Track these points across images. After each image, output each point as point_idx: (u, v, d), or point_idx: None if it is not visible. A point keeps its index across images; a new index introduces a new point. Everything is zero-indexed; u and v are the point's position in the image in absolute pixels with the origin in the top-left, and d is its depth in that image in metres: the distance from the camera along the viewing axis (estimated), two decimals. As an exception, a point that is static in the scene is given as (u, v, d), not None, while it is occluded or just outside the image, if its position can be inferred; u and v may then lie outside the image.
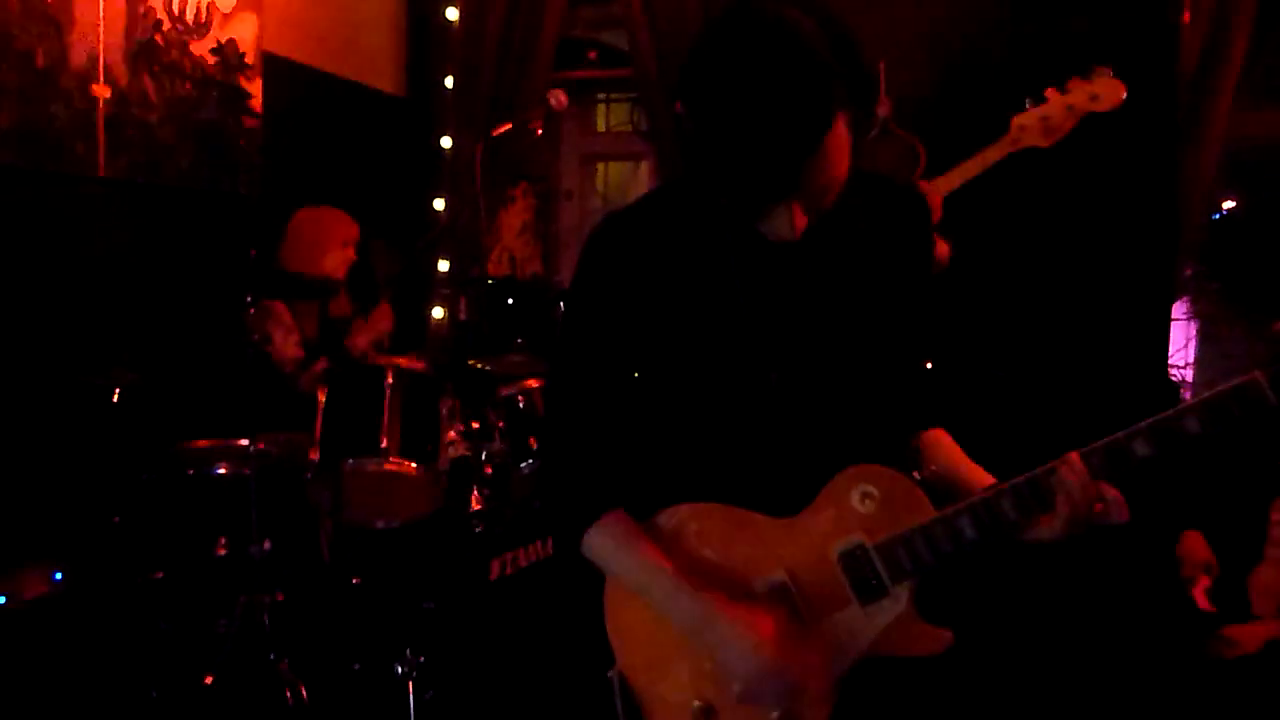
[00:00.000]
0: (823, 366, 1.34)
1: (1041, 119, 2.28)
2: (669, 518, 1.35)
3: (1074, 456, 1.25)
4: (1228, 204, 3.79)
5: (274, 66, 3.70)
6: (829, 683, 1.28)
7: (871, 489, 1.30)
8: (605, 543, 1.33)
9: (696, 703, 1.30)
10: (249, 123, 3.60)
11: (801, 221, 1.22)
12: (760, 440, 1.33)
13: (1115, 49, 3.26)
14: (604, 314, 1.35)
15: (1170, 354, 3.66)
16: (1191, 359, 3.86)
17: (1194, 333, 3.84)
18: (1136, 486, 1.30)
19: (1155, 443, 1.23)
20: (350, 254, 3.34)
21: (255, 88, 3.62)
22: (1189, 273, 3.65)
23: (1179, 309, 3.71)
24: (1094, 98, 2.22)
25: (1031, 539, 1.30)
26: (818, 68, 1.14)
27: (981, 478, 1.36)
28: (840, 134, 1.18)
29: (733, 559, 1.31)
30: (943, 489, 1.37)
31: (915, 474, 1.41)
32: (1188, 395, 3.76)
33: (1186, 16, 3.27)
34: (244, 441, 2.63)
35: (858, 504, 1.30)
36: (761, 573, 1.31)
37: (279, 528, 2.69)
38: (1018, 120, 2.33)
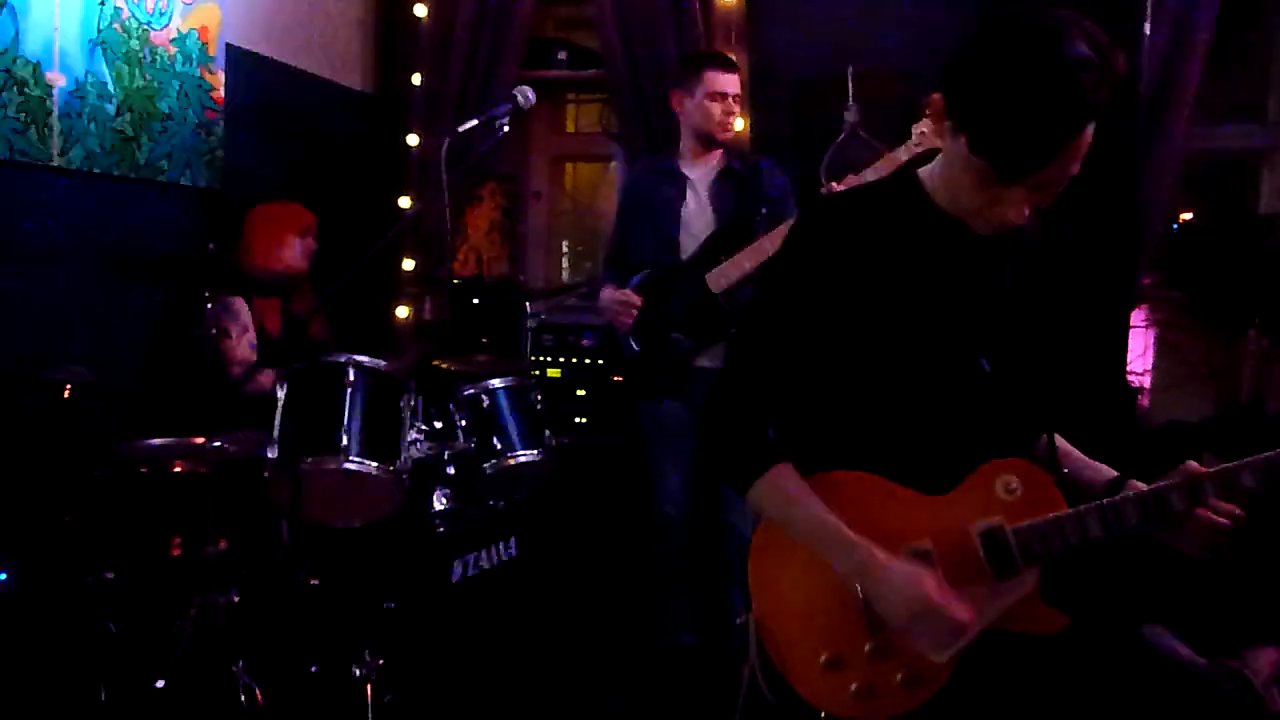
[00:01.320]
0: (1014, 358, 1.51)
1: (932, 126, 2.47)
2: (828, 479, 1.47)
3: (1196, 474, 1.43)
4: (1186, 215, 3.85)
5: (237, 59, 3.64)
6: (966, 642, 1.40)
7: (1016, 480, 1.46)
8: (777, 490, 1.46)
9: (825, 655, 1.43)
10: (210, 115, 3.54)
11: (1025, 210, 1.38)
12: (948, 422, 1.47)
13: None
14: (812, 283, 1.46)
15: (1129, 361, 3.71)
16: (1149, 366, 3.92)
17: (1152, 340, 3.89)
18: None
19: (1258, 476, 1.41)
20: (310, 243, 3.32)
21: (217, 80, 3.56)
22: (1148, 282, 3.71)
23: (1138, 316, 3.76)
24: None
25: (1179, 547, 1.48)
26: (1095, 66, 1.29)
27: (1107, 472, 1.55)
28: (1088, 136, 1.34)
29: (883, 525, 1.44)
30: (1075, 486, 1.53)
31: (1063, 470, 1.56)
32: (1144, 401, 3.82)
33: (1147, 29, 3.32)
34: (200, 439, 2.58)
35: (1002, 492, 1.46)
36: (908, 540, 1.44)
37: (235, 527, 2.64)
38: (916, 126, 2.59)
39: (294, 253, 3.27)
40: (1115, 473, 1.55)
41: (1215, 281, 3.63)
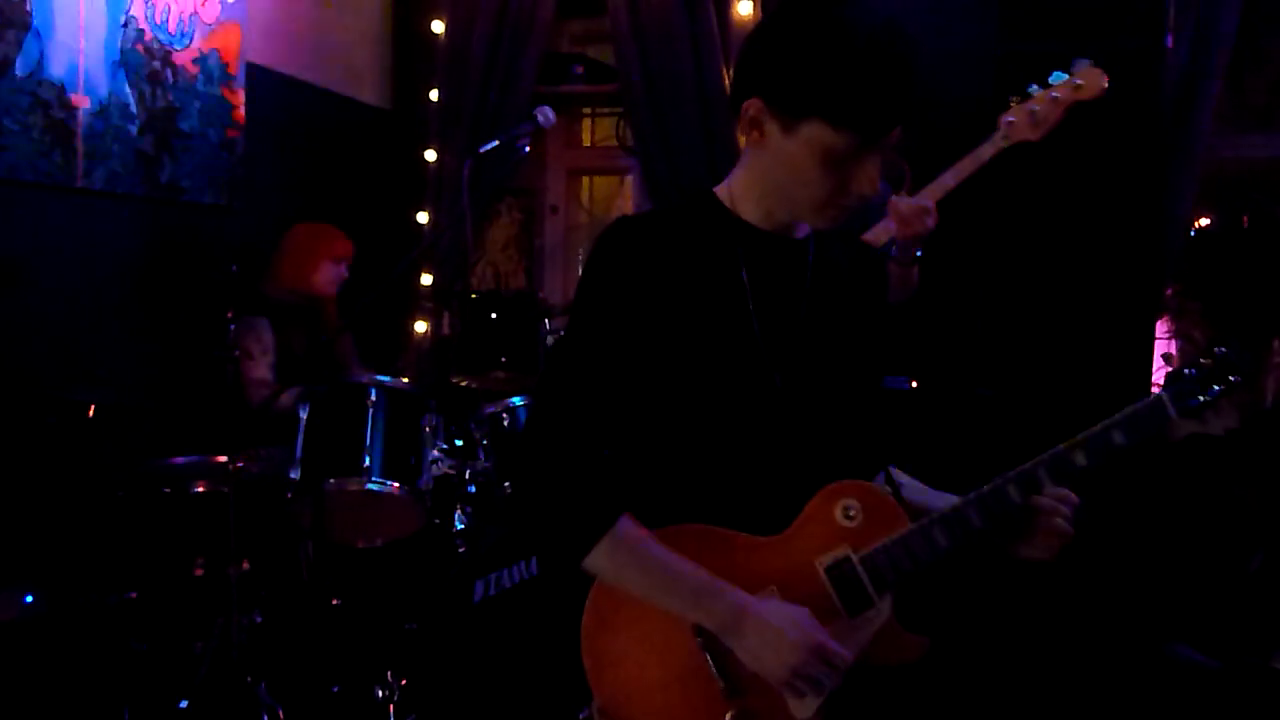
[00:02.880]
0: (822, 374, 1.41)
1: (1029, 112, 2.28)
2: (659, 536, 1.34)
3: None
4: (1202, 221, 3.82)
5: (257, 77, 3.66)
6: (830, 689, 1.29)
7: (854, 503, 1.36)
8: (622, 547, 1.30)
9: None
10: (231, 134, 3.56)
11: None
12: (757, 447, 1.36)
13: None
14: (611, 315, 1.35)
15: (1152, 373, 3.68)
16: (1172, 378, 3.88)
17: (1175, 351, 3.86)
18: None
19: (1089, 453, 1.34)
20: (343, 271, 3.32)
21: (238, 99, 3.59)
22: (1170, 292, 3.68)
23: (1161, 328, 3.73)
24: (1077, 86, 2.23)
25: (1024, 556, 1.38)
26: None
27: (946, 499, 1.42)
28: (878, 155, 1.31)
29: (725, 577, 1.31)
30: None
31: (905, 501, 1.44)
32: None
33: (1169, 41, 3.30)
34: (223, 459, 2.59)
35: (841, 518, 1.35)
36: (753, 591, 1.31)
37: (258, 547, 2.64)
38: (1005, 117, 2.33)
39: (326, 278, 3.26)
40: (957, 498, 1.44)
41: (1237, 290, 3.60)
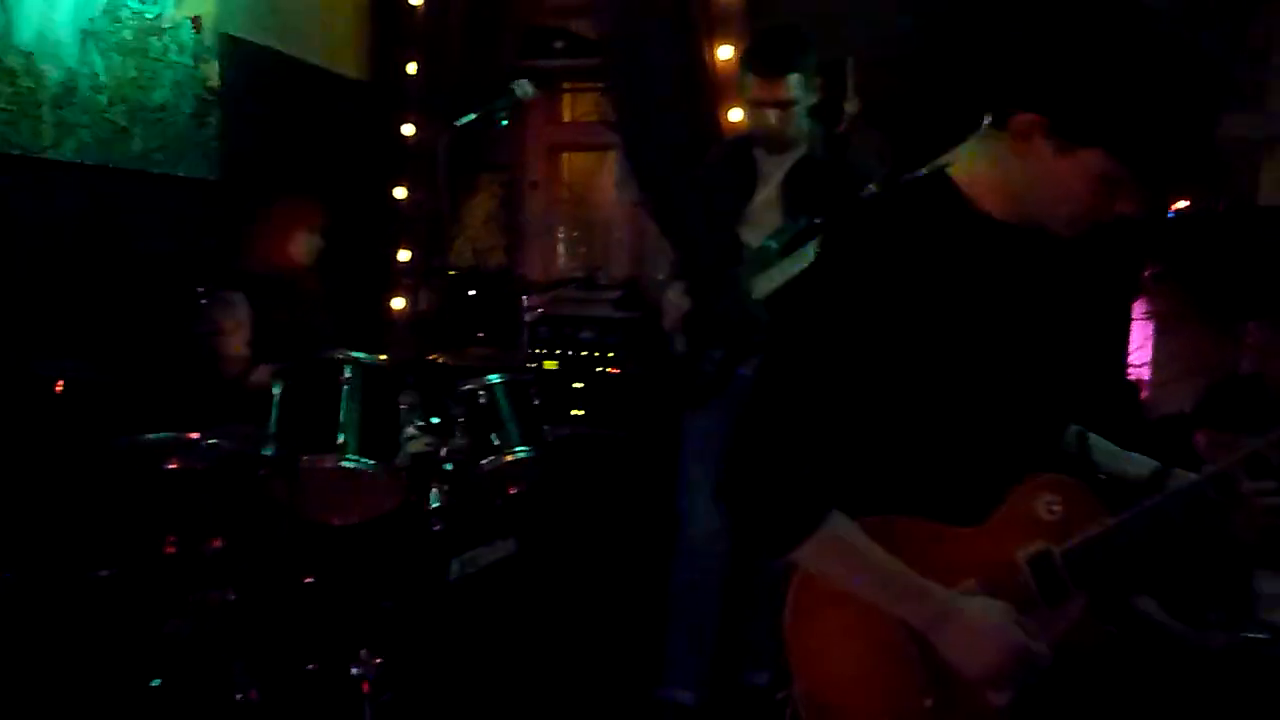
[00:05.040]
0: (1051, 371, 1.44)
1: None
2: (867, 527, 1.36)
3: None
4: (1180, 204, 3.83)
5: (232, 48, 3.60)
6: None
7: (1056, 498, 1.38)
8: (835, 543, 1.33)
9: None
10: (205, 105, 3.50)
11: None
12: (980, 442, 1.38)
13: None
14: (851, 306, 1.33)
15: (1129, 353, 3.70)
16: (1148, 358, 3.90)
17: (1151, 333, 3.88)
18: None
19: None
20: (317, 240, 3.28)
21: (212, 70, 3.52)
22: (1148, 274, 3.69)
23: (1137, 309, 3.74)
24: None
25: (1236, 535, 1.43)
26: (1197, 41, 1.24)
27: (1145, 463, 1.50)
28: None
29: (929, 569, 1.35)
30: (1114, 481, 1.49)
31: (1100, 475, 1.51)
32: (1144, 394, 3.81)
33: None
34: (196, 435, 2.55)
35: (1043, 512, 1.38)
36: (954, 582, 1.35)
37: (231, 525, 2.62)
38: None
39: (301, 249, 3.23)
40: (1155, 463, 1.49)
41: (1214, 273, 3.61)
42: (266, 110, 3.79)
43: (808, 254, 2.68)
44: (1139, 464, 1.51)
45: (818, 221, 2.73)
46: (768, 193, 2.87)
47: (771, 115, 2.72)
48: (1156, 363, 3.89)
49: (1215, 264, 3.61)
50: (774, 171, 2.87)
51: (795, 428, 1.33)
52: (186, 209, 3.43)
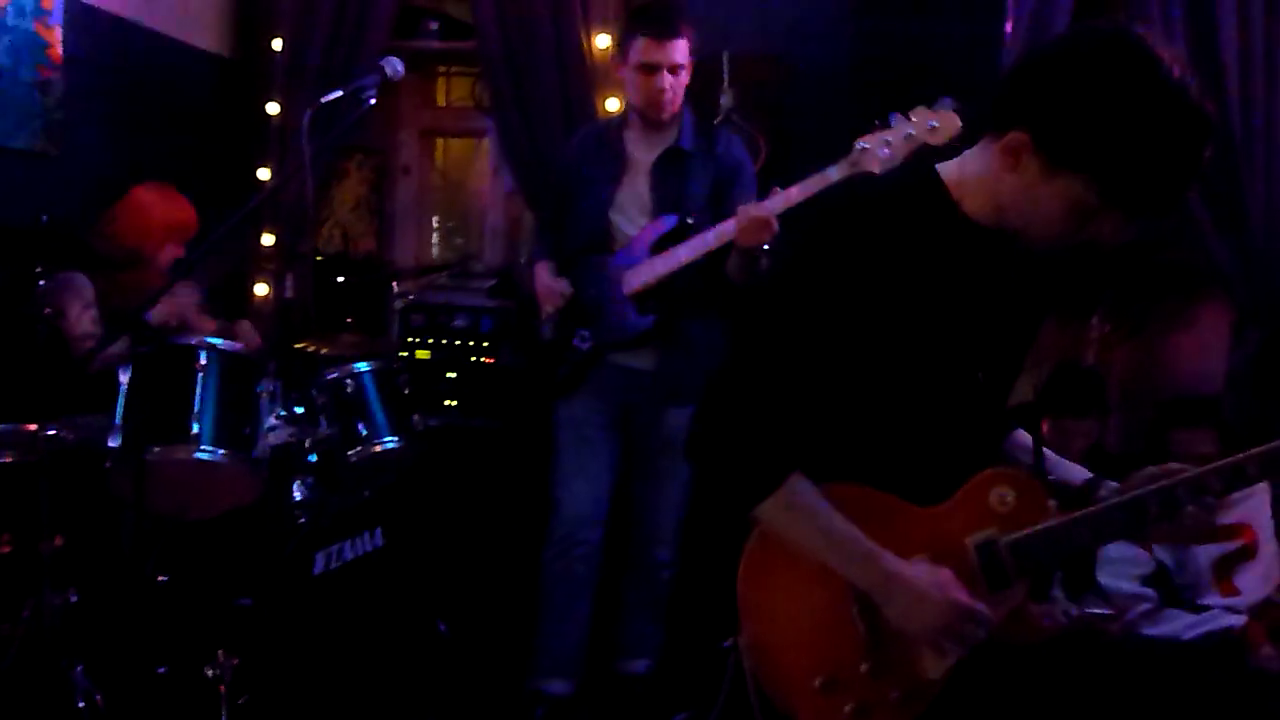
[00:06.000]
0: (1012, 370, 1.55)
1: (884, 143, 2.34)
2: (827, 493, 1.42)
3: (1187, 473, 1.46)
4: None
5: (77, 14, 3.37)
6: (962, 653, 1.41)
7: (1009, 490, 1.46)
8: (793, 503, 1.40)
9: (820, 678, 1.41)
10: (46, 74, 3.27)
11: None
12: (944, 432, 1.46)
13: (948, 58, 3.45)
14: (837, 291, 1.40)
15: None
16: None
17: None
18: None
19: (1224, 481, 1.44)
20: (180, 251, 3.09)
21: (54, 36, 3.29)
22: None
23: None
24: (932, 129, 2.32)
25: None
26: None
27: (1080, 472, 1.63)
28: None
29: (881, 539, 1.41)
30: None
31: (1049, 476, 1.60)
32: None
33: (1009, 27, 3.43)
34: (33, 426, 2.39)
35: (995, 503, 1.46)
36: (906, 556, 1.42)
37: (74, 521, 2.47)
38: (860, 142, 2.39)
39: (166, 256, 3.04)
40: (1089, 474, 1.62)
41: (1062, 271, 3.81)
42: (117, 83, 3.58)
43: (679, 254, 2.73)
44: (1073, 471, 1.65)
45: (690, 222, 2.78)
46: (636, 179, 2.88)
47: (664, 80, 2.72)
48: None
49: (1063, 261, 3.82)
50: (642, 158, 2.88)
51: (769, 392, 1.41)
52: (23, 185, 3.20)
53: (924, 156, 1.53)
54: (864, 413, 1.46)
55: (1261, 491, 2.67)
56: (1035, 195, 1.36)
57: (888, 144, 2.33)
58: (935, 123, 2.32)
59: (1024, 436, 1.69)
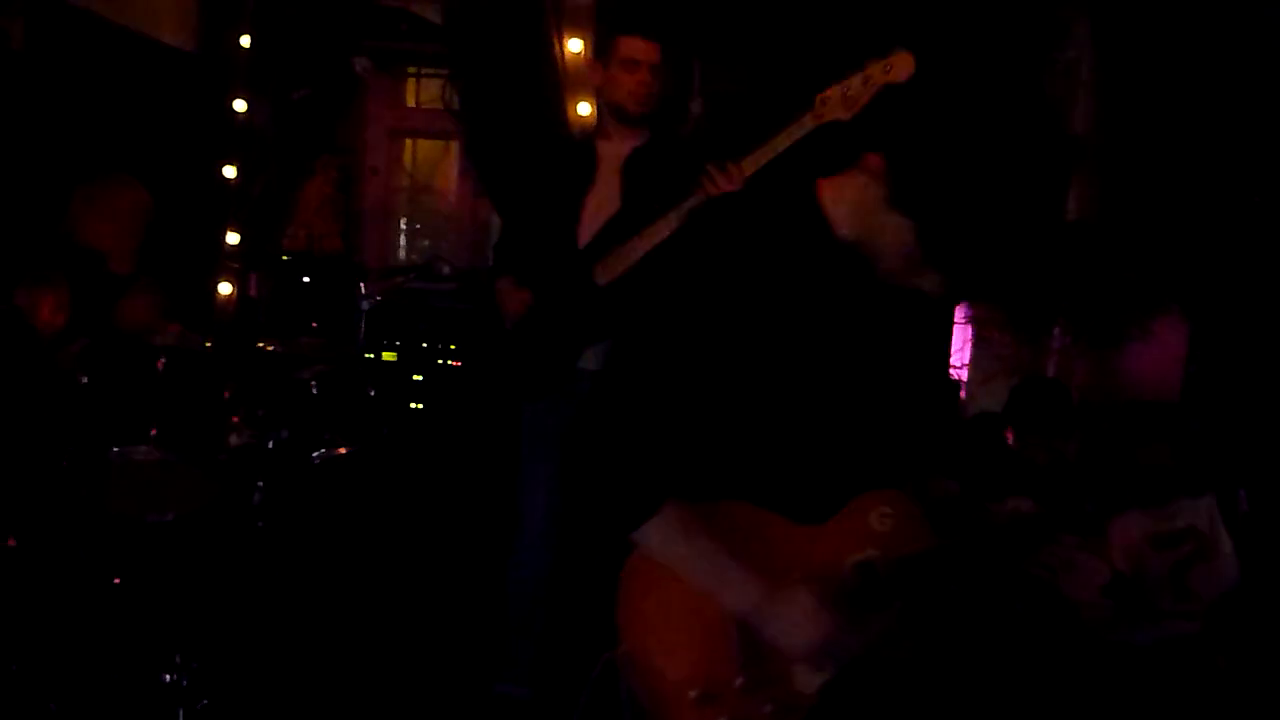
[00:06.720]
0: (871, 394, 1.53)
1: (843, 91, 2.37)
2: (705, 510, 1.42)
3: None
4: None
5: (41, 6, 3.32)
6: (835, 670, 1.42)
7: (890, 512, 1.48)
8: (668, 530, 1.40)
9: (695, 691, 1.39)
10: (4, 65, 3.22)
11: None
12: (820, 450, 1.47)
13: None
14: (704, 298, 1.40)
15: (950, 354, 3.92)
16: (967, 360, 4.15)
17: (969, 335, 4.12)
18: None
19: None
20: (136, 241, 3.04)
21: (16, 26, 3.24)
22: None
23: (958, 313, 3.97)
24: (887, 69, 2.35)
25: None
26: None
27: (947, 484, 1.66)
28: None
29: (760, 556, 1.42)
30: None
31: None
32: (962, 394, 4.05)
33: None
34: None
35: (876, 524, 1.47)
36: (785, 573, 1.42)
37: (26, 522, 2.42)
38: (821, 95, 2.43)
39: (127, 245, 2.98)
40: (956, 483, 1.68)
41: (1023, 283, 3.86)
42: (79, 76, 3.52)
43: (652, 237, 2.75)
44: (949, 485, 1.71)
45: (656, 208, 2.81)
46: (604, 185, 2.89)
47: (646, 75, 2.76)
48: (973, 364, 4.15)
49: (1023, 274, 3.87)
50: (614, 159, 2.89)
51: (640, 415, 1.41)
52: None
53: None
54: (738, 426, 1.46)
55: (1207, 496, 2.74)
56: (881, 225, 1.38)
57: (845, 89, 2.37)
58: (891, 64, 2.37)
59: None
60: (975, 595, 2.54)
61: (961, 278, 1.37)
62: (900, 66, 2.34)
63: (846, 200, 1.43)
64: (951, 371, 3.98)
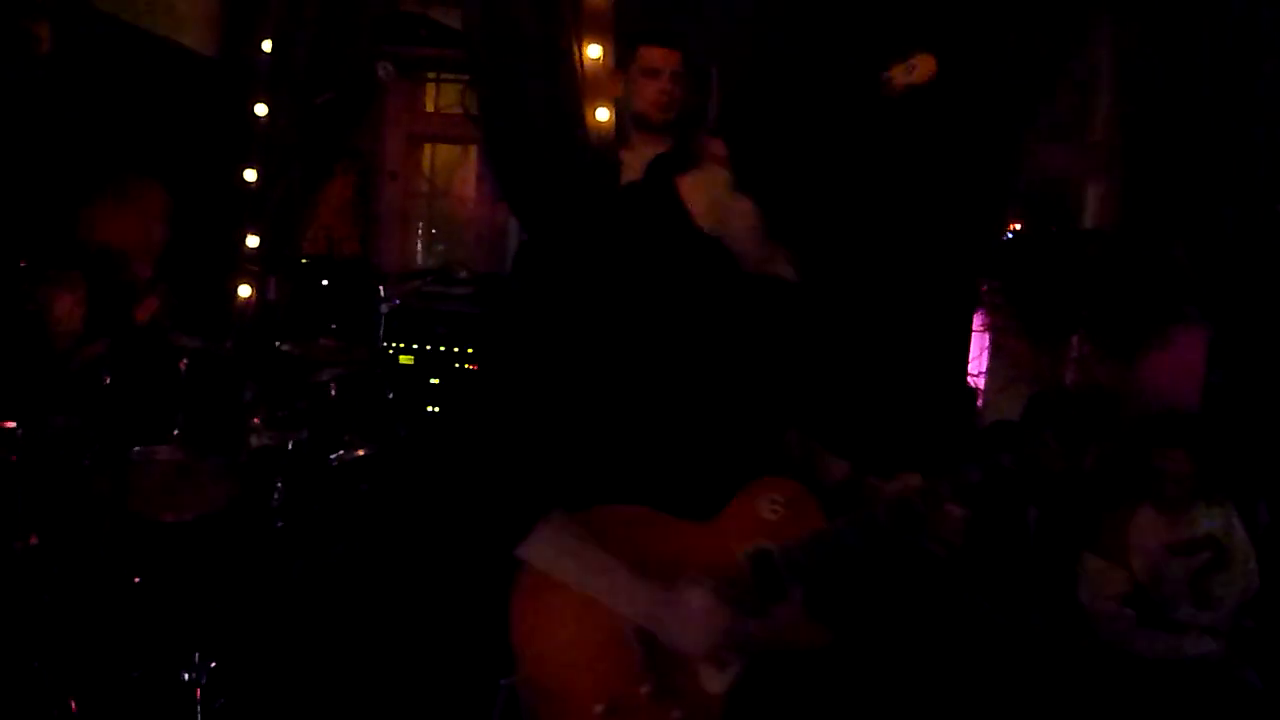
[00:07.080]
0: (750, 385, 1.52)
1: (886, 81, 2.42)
2: (593, 516, 1.40)
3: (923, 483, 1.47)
4: (1015, 225, 4.08)
5: (66, 10, 3.35)
6: (741, 668, 1.39)
7: (779, 499, 1.46)
8: (553, 544, 1.39)
9: (600, 705, 1.36)
10: (31, 69, 3.25)
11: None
12: (704, 446, 1.46)
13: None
14: (569, 302, 1.41)
15: (968, 362, 3.90)
16: (984, 368, 4.13)
17: (986, 344, 4.11)
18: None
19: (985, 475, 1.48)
20: (162, 235, 3.06)
21: (43, 30, 3.27)
22: (985, 288, 3.90)
23: (976, 320, 3.95)
24: (911, 69, 2.38)
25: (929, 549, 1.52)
26: None
27: (841, 464, 1.62)
28: None
29: (653, 557, 1.40)
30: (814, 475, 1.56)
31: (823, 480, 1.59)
32: (979, 402, 4.03)
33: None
34: (11, 424, 2.36)
35: (766, 513, 1.46)
36: (678, 572, 1.41)
37: (50, 520, 2.44)
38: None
39: (149, 244, 3.01)
40: (847, 464, 1.62)
41: (1041, 292, 3.85)
42: (103, 79, 3.55)
43: None
44: (836, 462, 1.64)
45: None
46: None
47: (667, 83, 2.82)
48: (990, 372, 4.13)
49: (1042, 282, 3.86)
50: (637, 172, 2.89)
51: (518, 426, 1.39)
52: (9, 179, 3.18)
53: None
54: (620, 429, 1.44)
55: (1226, 504, 2.74)
56: (729, 211, 1.43)
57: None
58: (915, 65, 2.39)
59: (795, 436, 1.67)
60: (990, 608, 2.53)
61: (807, 254, 1.38)
62: (923, 69, 2.38)
63: (700, 190, 1.46)
64: (969, 379, 3.96)
